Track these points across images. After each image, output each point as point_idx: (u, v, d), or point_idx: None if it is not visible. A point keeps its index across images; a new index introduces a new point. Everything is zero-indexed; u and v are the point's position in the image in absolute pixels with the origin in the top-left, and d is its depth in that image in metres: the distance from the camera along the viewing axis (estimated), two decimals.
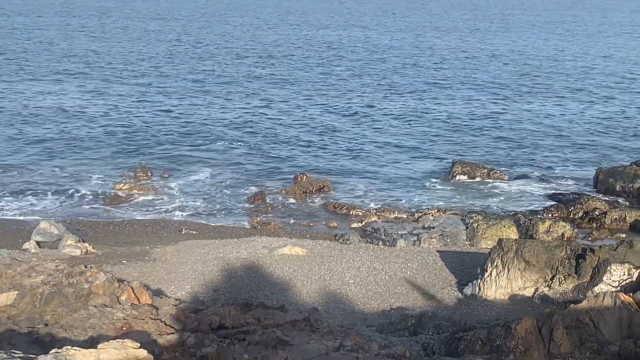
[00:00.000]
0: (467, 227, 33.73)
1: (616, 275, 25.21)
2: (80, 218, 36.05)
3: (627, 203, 38.74)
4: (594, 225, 36.14)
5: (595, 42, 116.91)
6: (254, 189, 40.78)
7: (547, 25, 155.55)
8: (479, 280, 26.83)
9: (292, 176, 42.63)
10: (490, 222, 33.87)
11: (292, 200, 39.73)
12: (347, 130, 55.48)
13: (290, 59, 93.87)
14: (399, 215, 36.97)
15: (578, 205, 37.42)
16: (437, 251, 31.19)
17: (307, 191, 40.52)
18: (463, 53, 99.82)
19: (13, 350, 12.39)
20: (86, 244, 31.40)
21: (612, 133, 56.49)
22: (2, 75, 74.95)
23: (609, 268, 25.34)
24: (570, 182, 43.83)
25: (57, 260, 22.57)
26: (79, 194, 39.68)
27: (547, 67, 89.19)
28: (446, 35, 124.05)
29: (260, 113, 60.36)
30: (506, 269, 26.49)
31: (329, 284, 27.28)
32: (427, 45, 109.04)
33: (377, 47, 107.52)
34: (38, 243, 31.52)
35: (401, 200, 40.34)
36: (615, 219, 36.17)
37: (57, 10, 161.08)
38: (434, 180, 43.72)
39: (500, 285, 26.43)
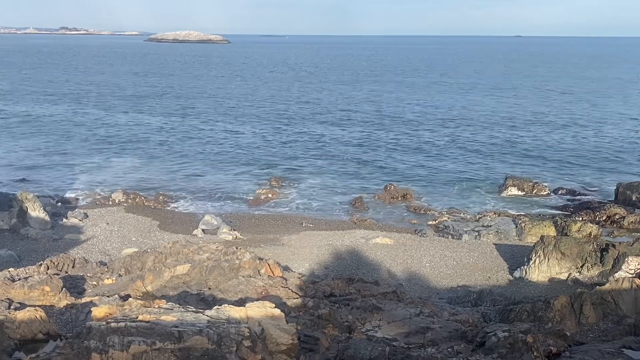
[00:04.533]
0: (516, 226, 32.76)
1: (632, 264, 24.26)
2: (232, 213, 36.96)
3: None
4: (615, 226, 34.55)
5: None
6: (354, 195, 40.77)
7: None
8: (525, 266, 26.16)
9: (382, 185, 42.38)
10: (535, 223, 32.81)
11: (382, 203, 39.53)
12: (426, 154, 54.66)
13: (388, 102, 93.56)
14: (464, 216, 36.25)
15: (602, 211, 35.80)
16: (494, 244, 30.49)
17: (394, 197, 40.23)
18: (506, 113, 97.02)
19: (187, 306, 12.84)
20: (236, 232, 32.20)
21: (628, 157, 53.62)
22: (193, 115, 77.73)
23: (626, 259, 24.43)
24: (596, 193, 41.90)
25: (216, 243, 23.27)
26: (232, 197, 40.59)
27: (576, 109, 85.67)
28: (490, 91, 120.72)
29: (361, 143, 59.96)
30: (546, 258, 25.75)
31: (410, 266, 27.09)
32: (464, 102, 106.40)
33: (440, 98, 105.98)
34: (203, 230, 32.55)
35: (466, 204, 39.49)
36: (632, 222, 34.44)
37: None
38: (490, 190, 42.60)
39: (541, 271, 25.71)
